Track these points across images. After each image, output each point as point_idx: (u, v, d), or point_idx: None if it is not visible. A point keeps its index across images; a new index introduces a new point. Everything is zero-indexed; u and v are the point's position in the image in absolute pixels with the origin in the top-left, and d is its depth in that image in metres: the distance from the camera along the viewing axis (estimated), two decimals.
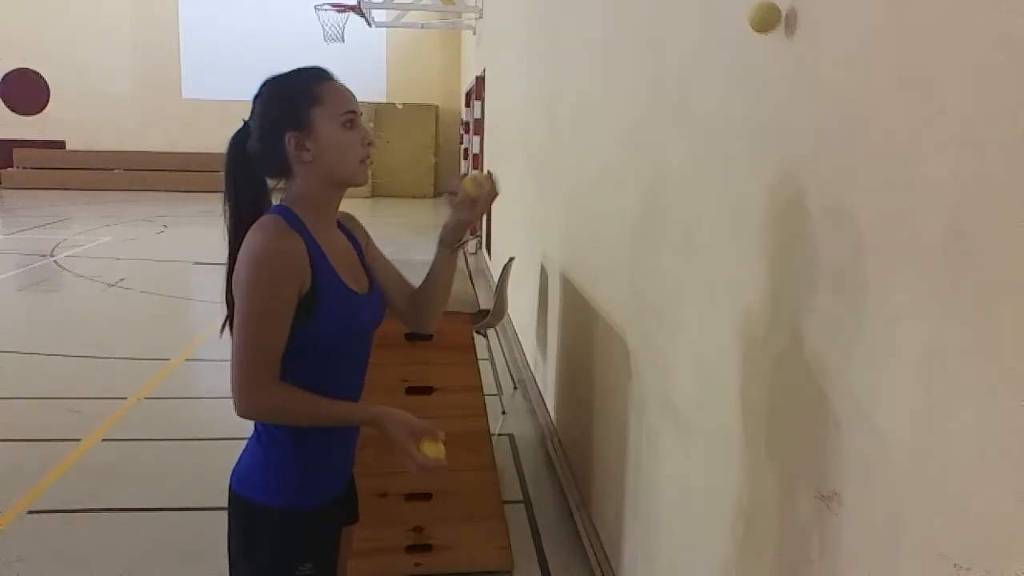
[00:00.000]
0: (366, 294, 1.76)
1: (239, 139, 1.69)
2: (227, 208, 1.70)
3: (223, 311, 1.74)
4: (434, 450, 1.62)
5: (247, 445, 1.75)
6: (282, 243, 1.58)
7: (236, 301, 1.59)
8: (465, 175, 1.77)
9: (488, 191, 1.75)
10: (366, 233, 1.89)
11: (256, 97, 1.68)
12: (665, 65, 2.54)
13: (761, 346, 1.81)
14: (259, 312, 1.57)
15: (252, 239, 1.58)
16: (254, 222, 1.64)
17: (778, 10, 1.67)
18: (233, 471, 1.75)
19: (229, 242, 1.69)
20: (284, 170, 1.67)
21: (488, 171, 1.82)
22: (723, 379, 1.99)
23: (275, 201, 1.72)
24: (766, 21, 1.68)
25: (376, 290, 1.81)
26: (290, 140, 1.62)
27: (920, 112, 1.24)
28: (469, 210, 1.74)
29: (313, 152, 1.63)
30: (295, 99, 1.63)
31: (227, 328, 1.74)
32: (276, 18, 20.20)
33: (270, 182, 1.72)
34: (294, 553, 1.70)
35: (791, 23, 1.65)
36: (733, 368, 1.94)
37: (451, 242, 1.80)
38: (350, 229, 1.83)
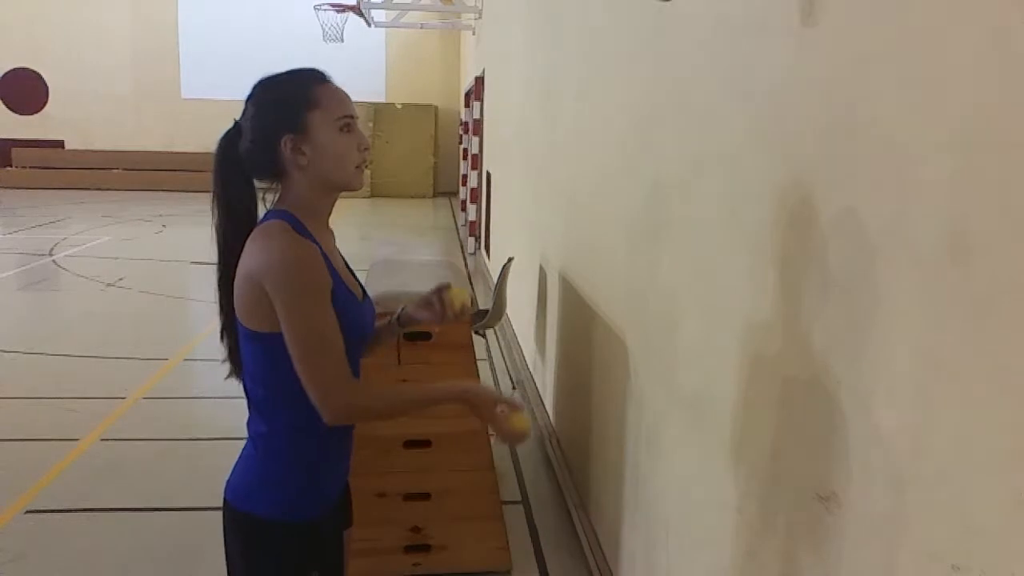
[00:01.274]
0: (363, 301, 1.76)
1: (230, 139, 1.65)
2: (217, 210, 1.66)
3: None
4: (522, 421, 1.65)
5: (241, 457, 1.71)
6: (303, 247, 1.55)
7: (283, 315, 1.53)
8: (448, 286, 1.83)
9: (463, 313, 1.82)
10: None
11: (249, 98, 1.64)
12: (665, 65, 2.54)
13: (760, 347, 1.81)
14: (311, 318, 1.54)
15: (268, 247, 1.54)
16: (246, 225, 1.63)
17: None
18: (228, 484, 1.70)
19: (220, 245, 1.65)
20: (277, 173, 1.63)
21: (472, 296, 1.86)
22: (722, 380, 1.99)
23: (262, 202, 1.68)
24: None
25: (368, 299, 1.80)
26: (286, 143, 1.58)
27: (920, 113, 1.24)
28: (439, 317, 1.82)
29: (309, 156, 1.59)
30: (292, 102, 1.60)
31: (226, 336, 1.72)
32: (275, 18, 20.18)
33: (258, 184, 1.67)
34: (300, 563, 1.68)
35: (793, 26, 1.65)
36: (732, 369, 1.94)
37: (405, 326, 1.89)
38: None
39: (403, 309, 1.88)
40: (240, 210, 1.65)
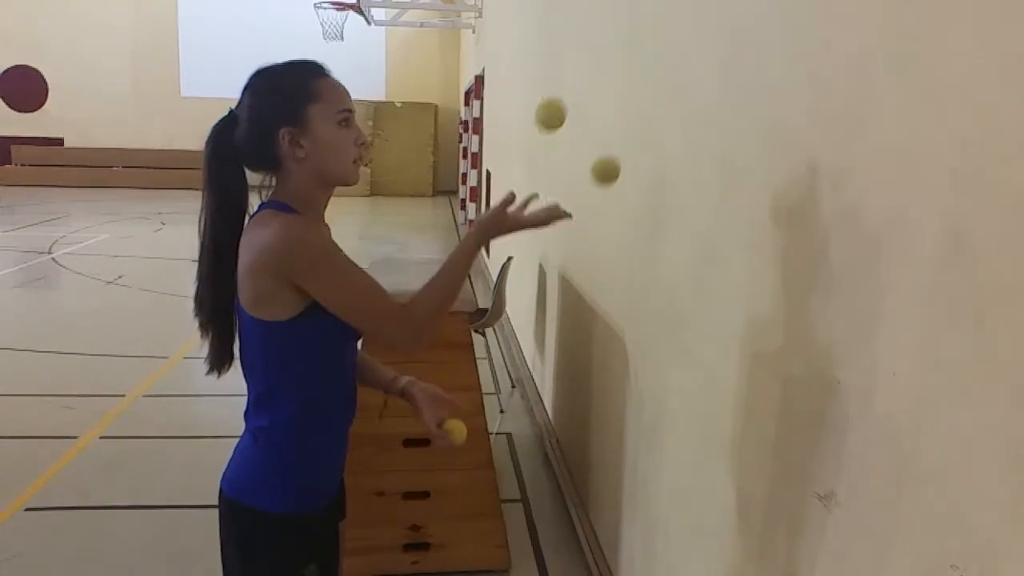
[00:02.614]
0: None
1: (223, 128, 1.63)
2: (206, 200, 1.63)
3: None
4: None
5: (238, 450, 1.71)
6: (299, 222, 1.56)
7: (316, 290, 1.54)
8: (450, 424, 1.82)
9: (452, 445, 1.82)
10: None
11: (247, 87, 1.63)
12: (664, 64, 2.54)
13: (760, 346, 1.81)
14: (343, 278, 1.57)
15: (267, 235, 1.53)
16: (236, 215, 1.62)
17: (562, 110, 1.72)
18: (224, 477, 1.70)
19: (207, 236, 1.64)
20: (273, 165, 1.62)
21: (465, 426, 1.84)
22: (721, 378, 1.99)
23: (257, 196, 1.68)
24: (553, 117, 1.75)
25: None
26: (284, 136, 1.58)
27: (921, 111, 1.24)
28: (433, 432, 1.80)
29: (307, 149, 1.59)
30: (292, 94, 1.59)
31: (211, 330, 1.70)
32: (275, 16, 20.15)
33: (253, 179, 1.67)
34: (298, 557, 1.68)
35: (793, 24, 1.65)
36: (731, 367, 1.94)
37: (402, 397, 1.87)
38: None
39: (412, 385, 1.86)
40: (231, 200, 1.64)
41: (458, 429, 1.79)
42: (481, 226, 1.68)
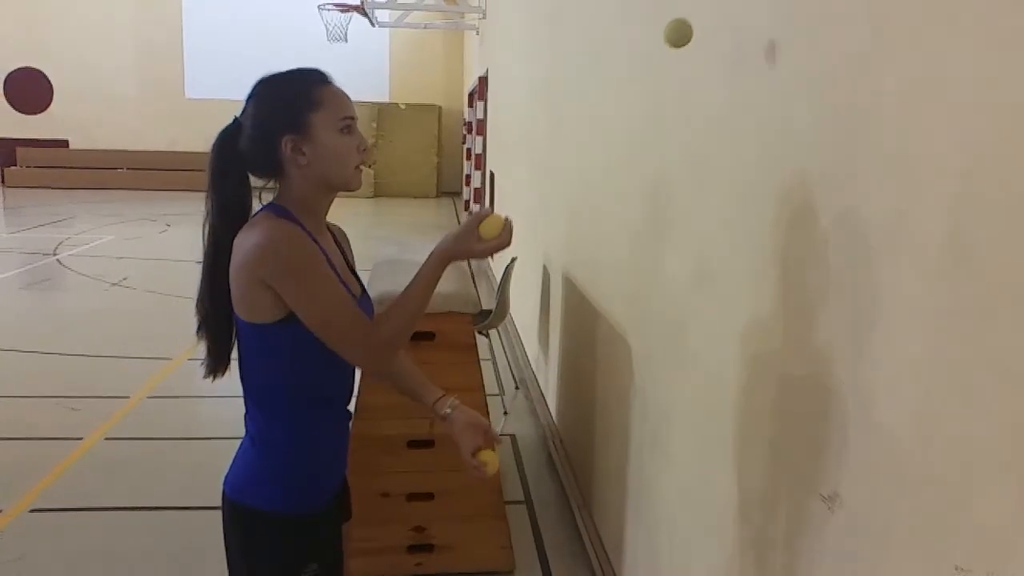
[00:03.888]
0: (360, 297, 1.77)
1: (228, 136, 1.65)
2: (210, 205, 1.66)
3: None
4: (492, 224, 1.63)
5: (239, 452, 1.73)
6: (286, 227, 1.57)
7: (289, 295, 1.54)
8: (484, 455, 1.79)
9: (485, 474, 1.78)
10: (351, 250, 1.90)
11: (251, 96, 1.65)
12: (668, 66, 2.53)
13: (763, 346, 1.81)
14: (316, 288, 1.56)
15: (252, 237, 1.55)
16: (239, 220, 1.63)
17: (689, 27, 1.70)
18: (226, 479, 1.72)
19: (209, 239, 1.66)
20: (276, 171, 1.64)
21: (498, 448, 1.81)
22: (725, 379, 1.99)
23: (255, 200, 1.70)
24: (682, 35, 1.73)
25: (367, 295, 1.82)
26: (287, 143, 1.60)
27: (922, 112, 1.24)
28: (468, 461, 1.77)
29: (309, 156, 1.60)
30: (294, 102, 1.61)
31: (205, 330, 1.71)
32: (280, 18, 20.20)
33: (254, 181, 1.69)
34: (299, 556, 1.69)
35: (795, 26, 1.65)
36: (735, 368, 1.94)
37: (443, 420, 1.83)
38: (339, 239, 1.83)
39: (454, 410, 1.82)
40: (234, 206, 1.66)
41: (491, 460, 1.78)
42: (446, 253, 1.64)
